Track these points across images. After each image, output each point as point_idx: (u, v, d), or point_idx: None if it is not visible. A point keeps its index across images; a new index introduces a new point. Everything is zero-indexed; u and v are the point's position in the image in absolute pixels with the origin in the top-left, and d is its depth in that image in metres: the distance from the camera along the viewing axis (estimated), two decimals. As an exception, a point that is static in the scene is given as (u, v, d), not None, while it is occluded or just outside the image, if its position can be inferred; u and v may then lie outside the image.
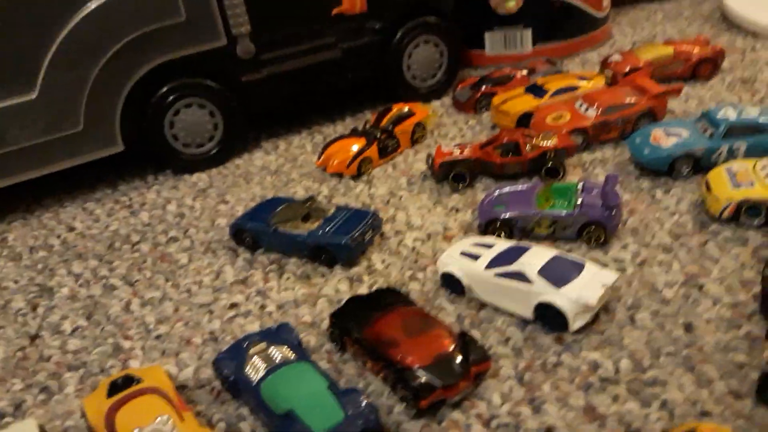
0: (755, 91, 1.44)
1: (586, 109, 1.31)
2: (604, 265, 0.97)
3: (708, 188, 1.06)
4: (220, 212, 1.27)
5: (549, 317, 0.86)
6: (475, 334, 0.88)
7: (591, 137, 1.29)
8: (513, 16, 1.73)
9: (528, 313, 0.88)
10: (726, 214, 1.02)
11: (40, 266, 1.18)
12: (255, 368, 0.80)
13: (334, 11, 1.46)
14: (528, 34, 1.74)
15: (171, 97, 1.36)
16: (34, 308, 1.06)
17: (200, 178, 1.41)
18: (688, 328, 0.85)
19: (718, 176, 1.06)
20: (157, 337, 0.96)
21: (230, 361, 0.83)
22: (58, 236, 1.27)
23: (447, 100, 1.63)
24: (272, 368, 0.79)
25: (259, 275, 1.06)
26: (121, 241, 1.22)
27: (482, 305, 0.93)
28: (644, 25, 1.96)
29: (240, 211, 1.25)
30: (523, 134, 1.24)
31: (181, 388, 0.85)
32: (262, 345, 0.83)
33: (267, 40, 1.41)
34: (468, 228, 1.11)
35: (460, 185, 1.23)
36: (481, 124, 1.48)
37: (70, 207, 1.37)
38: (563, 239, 1.04)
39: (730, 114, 1.16)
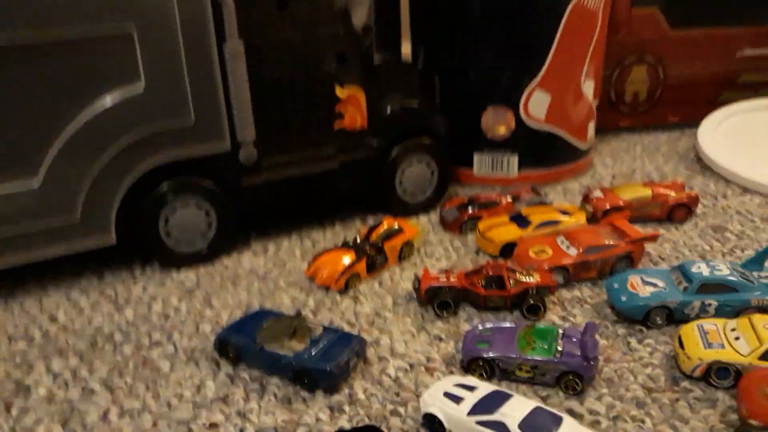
0: (725, 240, 1.53)
1: (568, 247, 1.37)
2: (581, 416, 1.00)
3: (680, 345, 1.11)
4: (205, 317, 1.28)
5: (526, 472, 0.88)
6: (453, 482, 0.89)
7: (571, 275, 1.35)
8: (502, 140, 1.81)
9: (506, 465, 0.90)
10: (697, 373, 1.07)
11: (18, 359, 1.17)
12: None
13: (336, 126, 1.53)
14: (515, 159, 1.83)
15: (170, 195, 1.40)
16: (8, 408, 1.05)
17: (187, 277, 1.43)
18: (659, 495, 0.87)
19: (691, 334, 1.12)
20: (134, 455, 0.95)
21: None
22: (40, 327, 1.26)
23: (434, 216, 1.69)
24: None
25: (240, 394, 1.07)
26: (104, 339, 1.22)
27: (461, 451, 0.95)
28: (624, 158, 2.07)
29: (225, 318, 1.27)
30: (507, 268, 1.29)
31: None
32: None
33: (269, 146, 1.47)
34: (450, 360, 1.14)
35: (444, 312, 1.26)
36: (466, 247, 1.53)
37: (54, 294, 1.37)
38: (541, 384, 1.07)
39: (703, 270, 1.22)
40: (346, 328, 1.23)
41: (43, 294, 1.37)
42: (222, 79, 1.35)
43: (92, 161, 1.30)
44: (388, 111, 1.59)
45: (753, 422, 0.95)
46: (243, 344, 1.12)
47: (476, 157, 1.84)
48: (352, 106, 1.52)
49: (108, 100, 1.28)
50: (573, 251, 1.36)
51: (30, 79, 1.22)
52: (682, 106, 2.30)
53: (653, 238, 1.40)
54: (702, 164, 1.98)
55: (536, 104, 1.78)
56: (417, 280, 1.30)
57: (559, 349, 1.06)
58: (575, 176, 1.93)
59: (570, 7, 1.70)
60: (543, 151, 1.85)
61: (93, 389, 1.09)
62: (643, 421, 0.99)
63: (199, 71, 1.32)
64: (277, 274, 1.43)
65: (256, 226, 1.62)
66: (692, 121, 2.26)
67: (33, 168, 1.27)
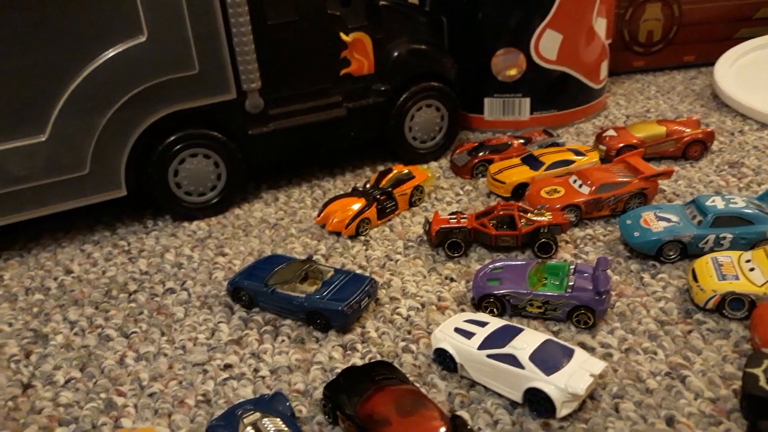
0: (742, 175, 1.50)
1: (580, 186, 1.36)
2: (592, 349, 1.00)
3: (694, 277, 1.10)
4: (217, 265, 1.29)
5: (537, 401, 0.89)
6: (465, 414, 0.90)
7: (583, 213, 1.33)
8: (512, 83, 1.78)
9: (517, 396, 0.90)
10: (710, 305, 1.06)
11: (35, 310, 1.19)
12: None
13: (343, 71, 1.51)
14: (526, 102, 1.80)
15: (178, 146, 1.39)
16: (28, 355, 1.07)
17: (199, 227, 1.44)
18: (670, 422, 0.87)
19: (704, 266, 1.10)
20: (151, 395, 0.97)
21: (223, 430, 0.84)
22: (55, 279, 1.28)
23: (444, 162, 1.67)
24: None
25: (254, 336, 1.08)
26: (118, 289, 1.23)
27: (473, 384, 0.95)
28: (638, 98, 2.03)
29: (237, 265, 1.28)
30: (518, 208, 1.28)
31: (172, 453, 0.87)
32: (256, 415, 0.85)
33: (275, 95, 1.45)
34: (461, 299, 1.14)
35: (455, 254, 1.26)
36: (477, 190, 1.52)
37: (68, 248, 1.38)
38: (553, 319, 1.07)
39: (718, 203, 1.20)
40: (358, 271, 1.23)
41: (58, 247, 1.39)
42: (225, 27, 1.33)
43: (98, 114, 1.29)
44: (395, 55, 1.56)
45: (766, 351, 0.94)
46: (255, 288, 1.12)
47: (487, 102, 1.81)
48: (358, 51, 1.49)
49: (111, 53, 1.26)
50: (585, 189, 1.34)
51: (33, 34, 1.21)
52: (698, 44, 2.23)
53: (667, 174, 1.38)
54: (718, 101, 1.94)
55: (547, 45, 1.74)
56: (427, 223, 1.30)
57: (571, 284, 1.06)
58: (588, 117, 1.89)
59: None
60: (555, 93, 1.81)
61: (109, 336, 1.10)
62: (655, 353, 0.99)
63: (201, 20, 1.30)
64: (288, 222, 1.44)
65: (265, 176, 1.62)
66: (708, 60, 2.20)
67: (41, 123, 1.27)
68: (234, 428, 0.83)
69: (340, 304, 1.05)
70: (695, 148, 1.58)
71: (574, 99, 1.84)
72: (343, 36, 1.47)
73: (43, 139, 1.28)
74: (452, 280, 1.20)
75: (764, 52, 2.10)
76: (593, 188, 1.33)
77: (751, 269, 1.07)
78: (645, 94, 2.07)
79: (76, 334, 1.12)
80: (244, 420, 0.84)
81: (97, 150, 1.32)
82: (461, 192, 1.52)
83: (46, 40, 1.22)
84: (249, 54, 1.37)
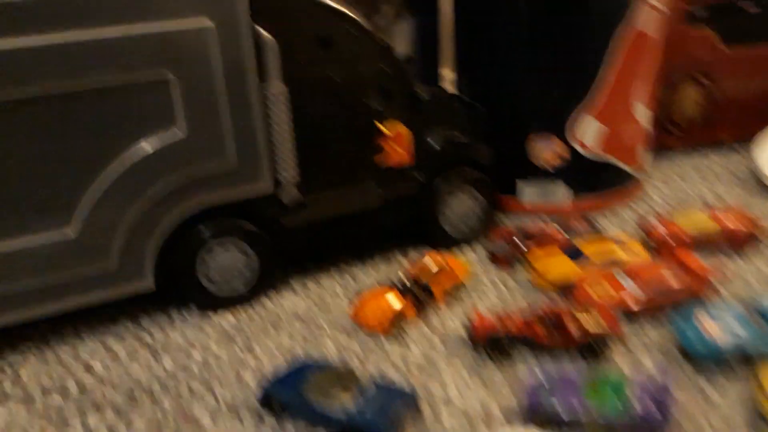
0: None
1: (631, 287, 1.28)
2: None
3: (760, 386, 1.01)
4: (246, 366, 1.21)
5: None
6: None
7: (636, 317, 1.25)
8: (550, 168, 1.73)
9: None
10: (785, 423, 0.97)
11: (53, 415, 1.11)
12: None
13: (380, 163, 1.46)
14: (564, 187, 1.74)
15: (209, 239, 1.34)
16: (44, 470, 1.00)
17: (227, 319, 1.37)
18: None
19: (774, 378, 1.02)
20: None
21: None
22: (75, 378, 1.21)
23: (481, 250, 1.60)
24: None
25: (287, 452, 1.00)
26: (142, 391, 1.16)
27: None
28: (676, 181, 1.97)
29: (267, 365, 1.20)
30: (567, 310, 1.21)
31: None
32: None
33: (312, 186, 1.41)
34: (510, 412, 1.06)
35: (501, 358, 1.18)
36: (519, 284, 1.45)
37: (89, 341, 1.32)
38: (613, 441, 0.98)
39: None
40: (394, 374, 1.15)
41: (78, 341, 1.32)
42: (263, 119, 1.30)
43: (130, 208, 1.25)
44: (433, 146, 1.52)
45: None
46: (289, 399, 1.05)
47: (524, 186, 1.76)
48: (397, 142, 1.46)
49: (146, 146, 1.23)
50: (638, 292, 1.26)
51: (64, 127, 1.17)
52: (735, 125, 2.19)
53: (722, 276, 1.30)
54: (760, 185, 1.87)
55: (587, 131, 1.69)
56: (469, 325, 1.22)
57: (634, 405, 0.97)
58: (627, 202, 1.83)
59: (625, 32, 1.62)
60: (593, 178, 1.76)
61: (131, 448, 1.03)
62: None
63: (240, 114, 1.27)
64: (319, 314, 1.37)
65: (296, 265, 1.56)
66: (744, 138, 2.15)
67: (66, 216, 1.22)
68: None
69: (378, 424, 0.97)
70: (746, 242, 1.51)
71: (612, 183, 1.79)
72: (382, 128, 1.43)
73: (70, 233, 1.23)
74: (498, 389, 1.12)
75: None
76: (647, 293, 1.26)
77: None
78: (683, 176, 2.01)
79: (95, 445, 1.04)
80: None
81: (126, 245, 1.27)
82: (501, 285, 1.45)
83: (76, 133, 1.18)
84: (288, 147, 1.34)
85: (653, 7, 1.66)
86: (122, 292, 1.30)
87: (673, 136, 2.18)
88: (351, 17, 1.36)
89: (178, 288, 1.38)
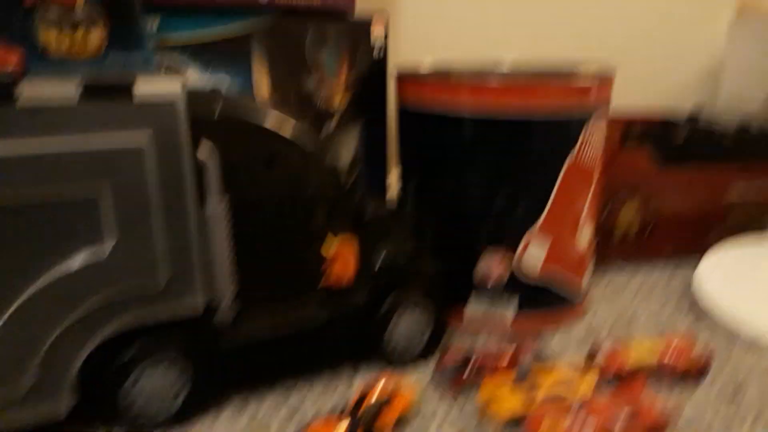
0: (743, 414, 1.39)
1: (584, 421, 1.23)
2: None
3: None
4: None
5: None
6: None
7: (589, 459, 1.20)
8: (496, 286, 1.70)
9: None
10: None
11: None
12: None
13: (322, 282, 1.39)
14: (510, 305, 1.71)
15: (133, 363, 1.22)
16: None
17: (150, 451, 1.23)
18: None
19: None
20: None
21: None
22: None
23: (429, 369, 1.53)
24: None
25: None
26: None
27: None
28: (616, 301, 1.97)
29: None
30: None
31: None
32: None
33: (249, 305, 1.32)
34: None
35: None
36: (466, 412, 1.37)
37: (-14, 481, 1.16)
38: None
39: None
40: None
41: (-27, 481, 1.16)
42: (199, 240, 1.22)
43: (48, 328, 1.13)
44: (378, 264, 1.46)
45: None
46: None
47: (470, 304, 1.72)
48: (340, 262, 1.39)
49: (72, 262, 1.12)
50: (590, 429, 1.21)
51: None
52: (673, 240, 2.24)
53: (671, 423, 1.26)
54: (699, 310, 1.89)
55: (532, 254, 1.68)
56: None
57: None
58: (573, 320, 1.81)
59: (570, 159, 1.64)
60: (538, 298, 1.73)
61: None
62: None
63: (174, 234, 1.18)
64: (255, 449, 1.25)
65: (234, 388, 1.44)
66: (686, 253, 2.21)
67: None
68: None
69: None
70: (691, 374, 1.49)
71: (558, 303, 1.76)
72: (324, 248, 1.37)
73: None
74: None
75: (746, 254, 2.10)
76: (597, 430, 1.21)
77: None
78: (624, 296, 2.01)
79: None
80: None
81: (42, 366, 1.14)
82: (450, 413, 1.37)
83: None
84: (224, 267, 1.26)
85: (594, 137, 1.70)
86: (34, 420, 1.15)
87: (614, 250, 2.21)
88: (293, 140, 1.31)
89: (101, 412, 1.24)
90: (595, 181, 1.74)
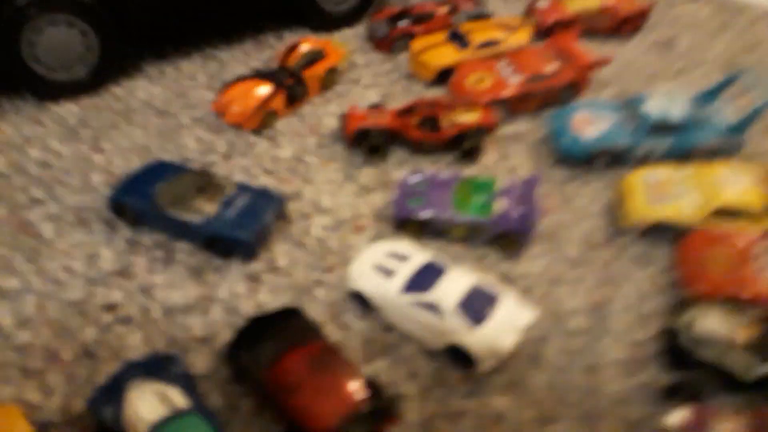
0: (674, 60, 1.39)
1: (510, 73, 1.22)
2: (515, 280, 0.94)
3: (624, 197, 1.03)
4: (94, 165, 1.09)
5: (459, 354, 0.82)
6: (383, 363, 0.83)
7: (512, 109, 1.21)
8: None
9: (438, 346, 0.83)
10: (637, 229, 1.01)
11: None
12: (138, 417, 0.71)
13: None
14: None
15: (32, 10, 1.11)
16: None
17: (70, 111, 1.20)
18: (590, 370, 0.84)
19: (635, 187, 1.03)
20: (18, 348, 0.83)
21: (109, 406, 0.73)
22: None
23: (361, 30, 1.46)
24: (157, 425, 0.70)
25: (142, 264, 0.94)
26: (-30, 197, 1.02)
27: (391, 328, 0.87)
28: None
29: (118, 165, 1.08)
30: (442, 106, 1.14)
31: (44, 427, 0.75)
32: (147, 386, 0.73)
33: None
34: (380, 214, 1.03)
35: (374, 156, 1.12)
36: (398, 70, 1.34)
37: None
38: (477, 242, 0.99)
39: (655, 108, 1.11)
40: (264, 177, 1.08)
41: None
42: None
43: None
44: None
45: (689, 295, 0.90)
46: (142, 207, 0.96)
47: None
48: None
49: None
50: (515, 78, 1.20)
51: None
52: None
53: (604, 63, 1.25)
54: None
55: None
56: (343, 119, 1.14)
57: (497, 208, 0.96)
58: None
59: None
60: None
61: (-38, 264, 0.93)
62: (577, 286, 0.94)
63: None
64: (178, 106, 1.22)
65: (149, 45, 1.35)
66: None
67: None
68: (120, 403, 0.72)
69: (245, 233, 0.92)
70: (628, 25, 1.45)
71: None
72: None
73: None
74: (370, 190, 1.07)
75: None
76: (524, 78, 1.20)
77: (685, 192, 1.01)
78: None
79: None
80: (133, 392, 0.73)
81: None
82: (380, 72, 1.34)
83: None
84: None
85: None
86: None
87: None
88: None
89: (6, 72, 1.17)
90: None
